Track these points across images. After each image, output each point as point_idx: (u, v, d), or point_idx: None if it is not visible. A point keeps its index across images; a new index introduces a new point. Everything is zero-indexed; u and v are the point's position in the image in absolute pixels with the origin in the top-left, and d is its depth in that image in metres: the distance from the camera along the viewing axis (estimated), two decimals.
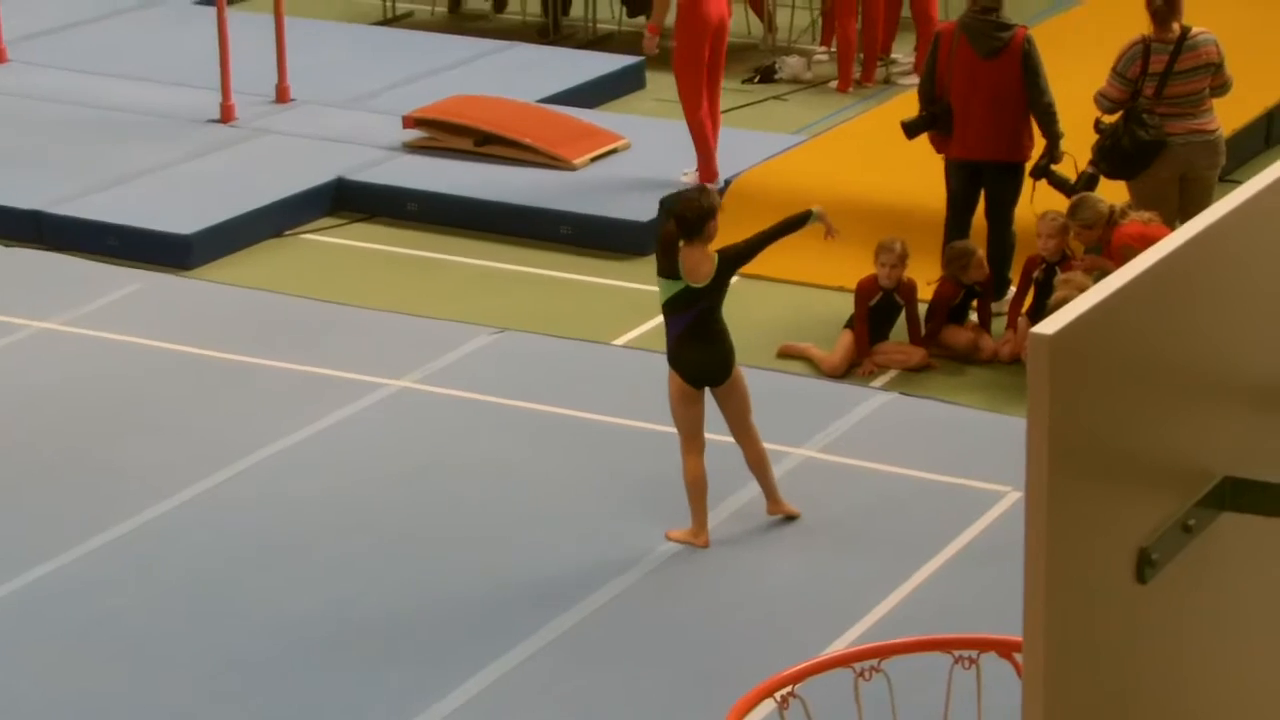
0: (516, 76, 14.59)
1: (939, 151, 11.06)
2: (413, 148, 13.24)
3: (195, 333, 10.71)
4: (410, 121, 13.32)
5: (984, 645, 5.80)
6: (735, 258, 8.45)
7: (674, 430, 8.51)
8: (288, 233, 12.44)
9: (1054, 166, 10.74)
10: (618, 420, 9.66)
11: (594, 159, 12.98)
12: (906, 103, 13.33)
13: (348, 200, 12.80)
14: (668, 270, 8.34)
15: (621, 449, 9.41)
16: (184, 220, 12.09)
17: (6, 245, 12.11)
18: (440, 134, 13.24)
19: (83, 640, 7.93)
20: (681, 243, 8.32)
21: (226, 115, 13.76)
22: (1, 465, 9.33)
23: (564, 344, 10.60)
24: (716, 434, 8.65)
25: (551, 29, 16.50)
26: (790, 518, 8.65)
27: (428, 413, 9.84)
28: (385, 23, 16.90)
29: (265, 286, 11.45)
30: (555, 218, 12.26)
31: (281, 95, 14.11)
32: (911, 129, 11.10)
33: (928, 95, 11.02)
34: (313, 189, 12.70)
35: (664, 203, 9.16)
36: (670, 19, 12.43)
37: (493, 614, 8.09)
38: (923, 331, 10.56)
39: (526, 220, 12.32)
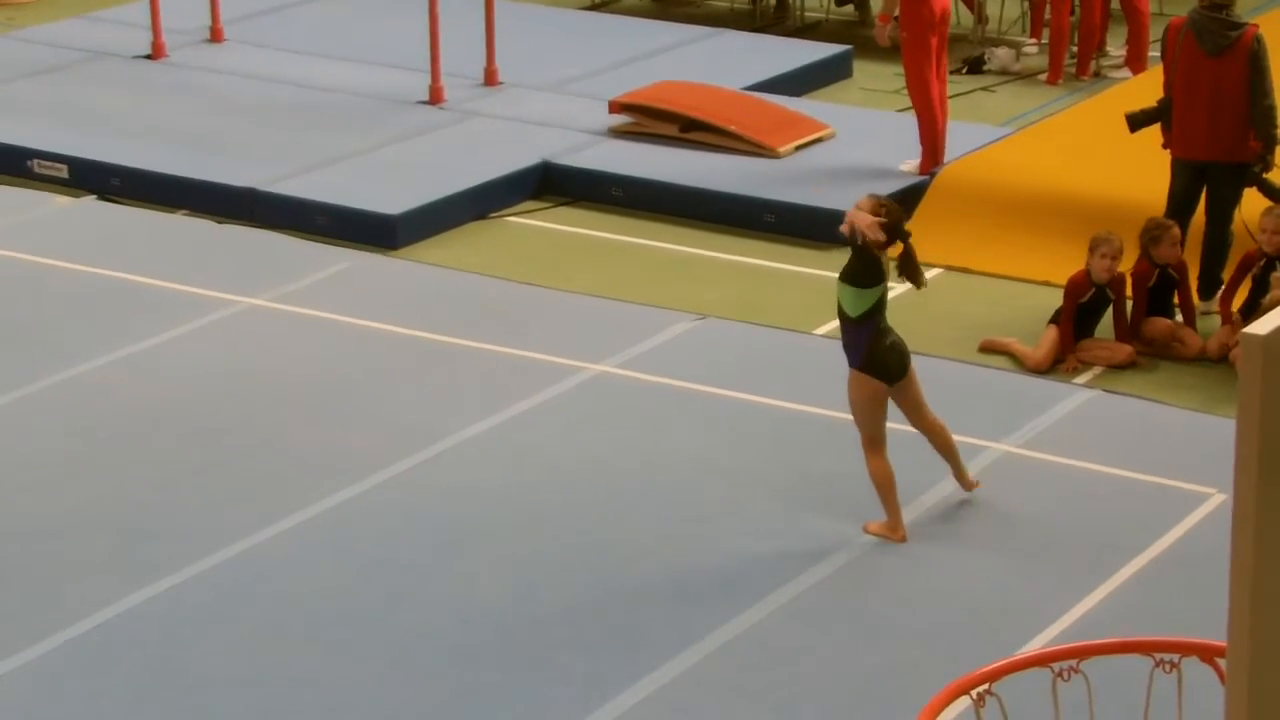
0: (723, 63, 14.58)
1: (1165, 147, 10.89)
2: (618, 133, 13.28)
3: (399, 312, 10.83)
4: (616, 106, 13.36)
5: (1186, 649, 5.70)
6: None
7: None
8: (492, 215, 12.54)
9: (1266, 174, 10.52)
10: (817, 410, 9.62)
11: (799, 147, 12.94)
12: (1116, 97, 13.15)
13: (552, 184, 12.88)
14: (878, 278, 8.22)
15: (819, 440, 9.37)
16: (391, 201, 12.23)
17: (219, 222, 12.34)
18: (646, 119, 13.26)
19: (274, 619, 8.02)
20: (882, 248, 8.23)
21: (435, 97, 13.90)
22: (204, 441, 9.49)
23: (764, 332, 10.58)
24: (898, 425, 8.60)
25: (765, 16, 16.47)
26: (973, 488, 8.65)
27: (625, 398, 9.86)
28: (593, 8, 16.97)
29: (469, 268, 11.55)
30: (759, 206, 12.24)
31: (490, 78, 14.22)
32: (1134, 122, 10.94)
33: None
34: (518, 172, 12.79)
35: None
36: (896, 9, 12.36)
37: (683, 603, 8.08)
38: (1129, 326, 10.41)
39: (730, 208, 12.32)
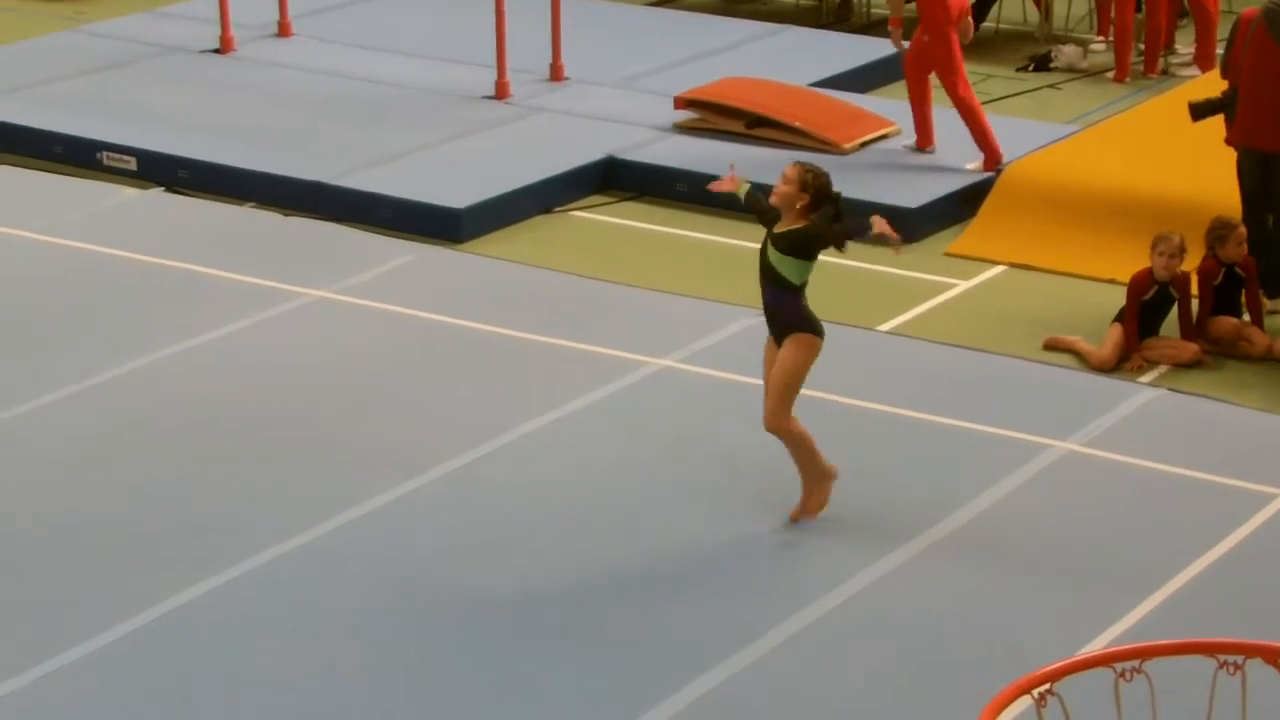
0: (788, 60, 14.57)
1: (1227, 141, 10.84)
2: (683, 129, 13.28)
3: (463, 306, 10.86)
4: (681, 102, 13.36)
5: (1250, 651, 5.66)
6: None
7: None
8: (557, 209, 12.57)
9: None
10: (880, 407, 9.61)
11: (864, 144, 12.92)
12: (1184, 95, 13.07)
13: (617, 179, 12.89)
14: (818, 248, 8.30)
15: (882, 436, 9.36)
16: (456, 194, 12.26)
17: (286, 215, 12.40)
18: (711, 115, 13.26)
19: (332, 614, 8.05)
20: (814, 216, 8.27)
21: (501, 92, 13.93)
22: (267, 433, 9.54)
23: (829, 328, 10.49)
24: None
25: (830, 12, 16.46)
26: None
27: (688, 393, 9.87)
28: (659, 4, 16.98)
29: (533, 262, 11.58)
30: None
31: (555, 74, 14.25)
32: (1197, 111, 10.90)
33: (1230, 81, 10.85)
34: (583, 167, 12.81)
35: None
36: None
37: (742, 600, 8.08)
38: (1194, 325, 10.36)
39: None
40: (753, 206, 8.65)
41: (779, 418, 8.40)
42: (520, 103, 13.84)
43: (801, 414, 9.56)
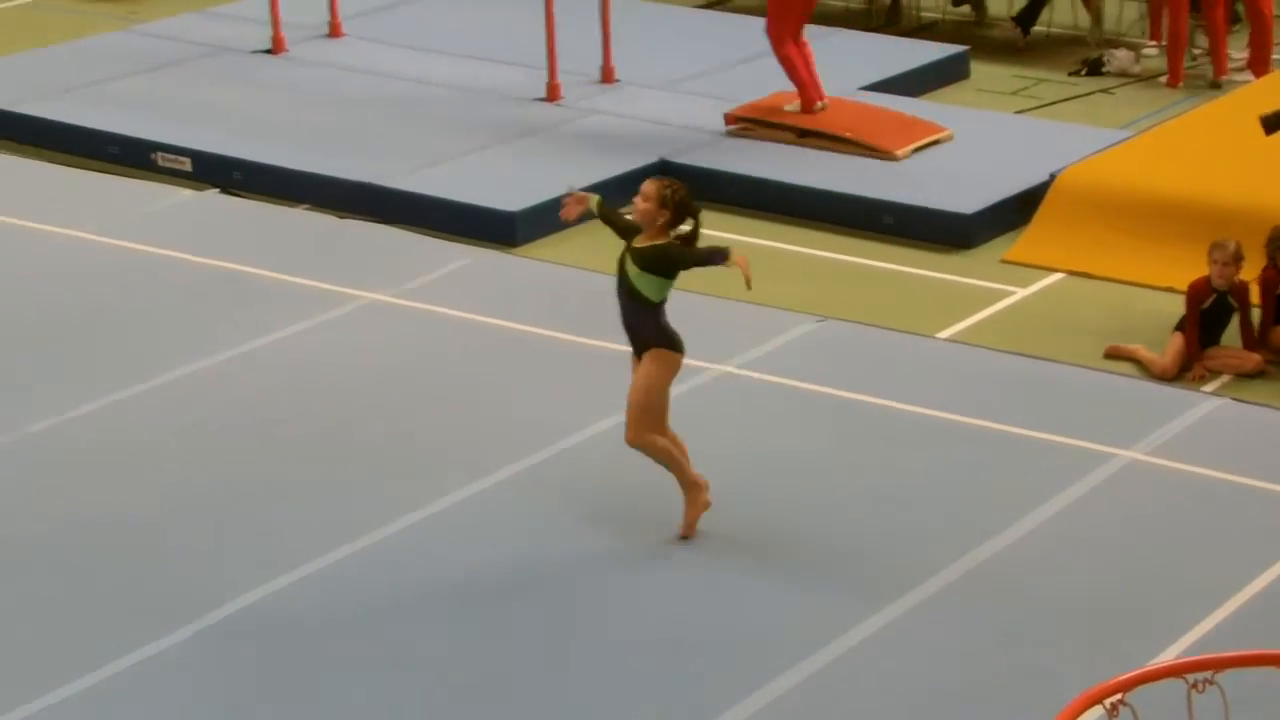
0: (838, 63, 14.52)
1: None
2: (734, 132, 13.26)
3: (518, 309, 10.86)
4: (731, 119, 13.31)
5: None
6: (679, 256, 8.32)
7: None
8: None
9: None
10: (938, 414, 9.59)
11: (916, 150, 12.89)
12: (1239, 100, 13.04)
13: None
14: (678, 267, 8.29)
15: (941, 442, 9.34)
16: (510, 197, 12.26)
17: (340, 216, 12.41)
18: (761, 130, 13.22)
19: (400, 612, 8.06)
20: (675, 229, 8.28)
21: (552, 94, 13.93)
22: (324, 435, 9.55)
23: (886, 335, 10.55)
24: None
25: (880, 15, 16.43)
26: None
27: (747, 399, 9.86)
28: (710, 6, 16.96)
29: (587, 266, 11.57)
30: (877, 207, 12.20)
31: (606, 76, 14.24)
32: (1270, 124, 10.81)
33: None
34: (635, 170, 12.79)
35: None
36: None
37: (813, 603, 8.07)
38: (1256, 335, 10.32)
39: (848, 208, 12.28)
40: (607, 219, 8.59)
41: (637, 432, 8.38)
42: (571, 105, 13.84)
43: (863, 420, 9.58)
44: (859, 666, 7.67)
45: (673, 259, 8.25)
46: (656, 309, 8.34)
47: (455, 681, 7.63)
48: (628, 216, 8.46)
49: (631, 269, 8.31)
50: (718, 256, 8.20)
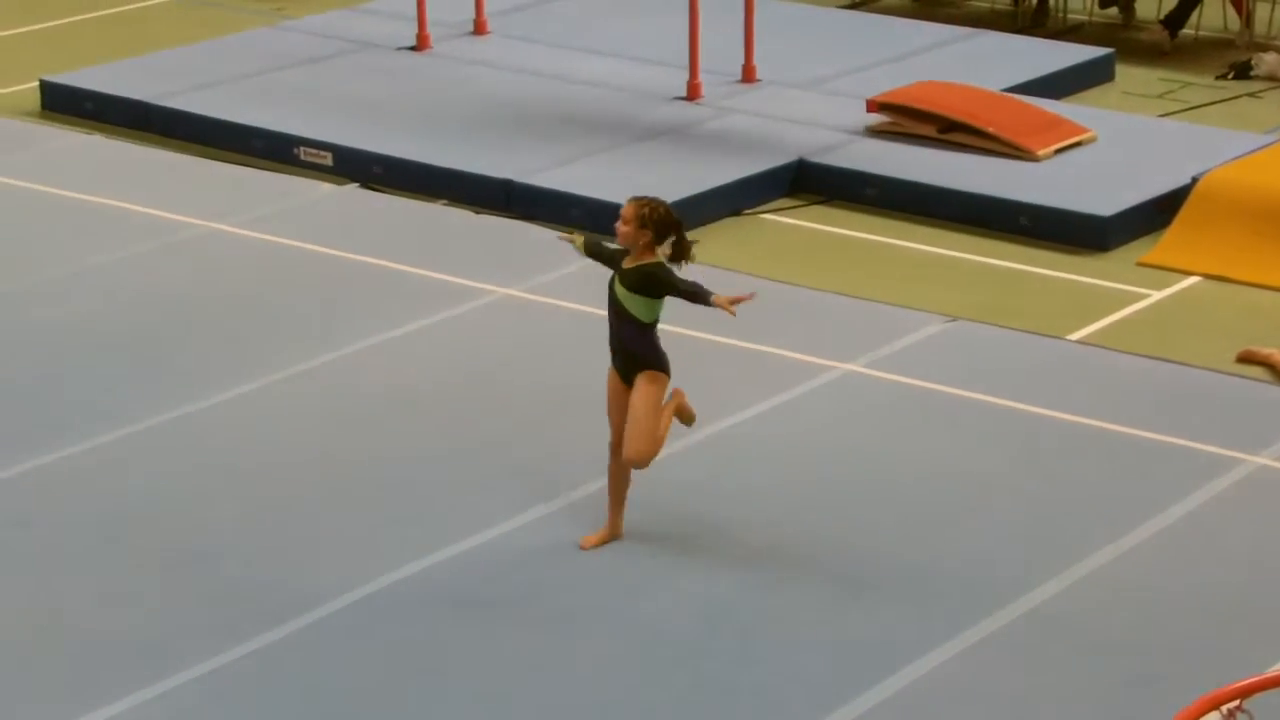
0: (982, 64, 14.46)
1: None
2: (875, 132, 13.23)
3: None
4: (874, 106, 13.30)
5: None
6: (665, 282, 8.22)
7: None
8: (747, 211, 12.57)
9: None
10: (1068, 417, 9.51)
11: (1058, 150, 12.79)
12: None
13: (807, 182, 12.87)
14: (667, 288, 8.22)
15: (1070, 446, 9.27)
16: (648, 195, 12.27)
17: (476, 212, 12.52)
18: (904, 119, 13.19)
19: (518, 606, 8.13)
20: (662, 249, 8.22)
21: (693, 94, 13.96)
22: (456, 428, 9.63)
23: (1018, 336, 10.48)
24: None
25: (1026, 17, 16.32)
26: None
27: (872, 398, 9.83)
28: (853, 7, 16.93)
29: (722, 264, 11.56)
30: (1014, 208, 12.12)
31: (748, 75, 14.25)
32: None
33: None
34: (774, 169, 12.81)
35: None
36: None
37: (924, 606, 8.04)
38: None
39: (985, 209, 12.21)
40: (593, 254, 8.56)
41: (642, 455, 8.30)
42: (712, 104, 13.86)
43: (989, 421, 9.52)
44: (965, 673, 7.63)
45: (659, 282, 8.21)
46: (649, 329, 8.33)
47: (556, 679, 7.67)
48: (612, 246, 8.42)
49: (620, 290, 8.29)
50: (701, 297, 8.14)
